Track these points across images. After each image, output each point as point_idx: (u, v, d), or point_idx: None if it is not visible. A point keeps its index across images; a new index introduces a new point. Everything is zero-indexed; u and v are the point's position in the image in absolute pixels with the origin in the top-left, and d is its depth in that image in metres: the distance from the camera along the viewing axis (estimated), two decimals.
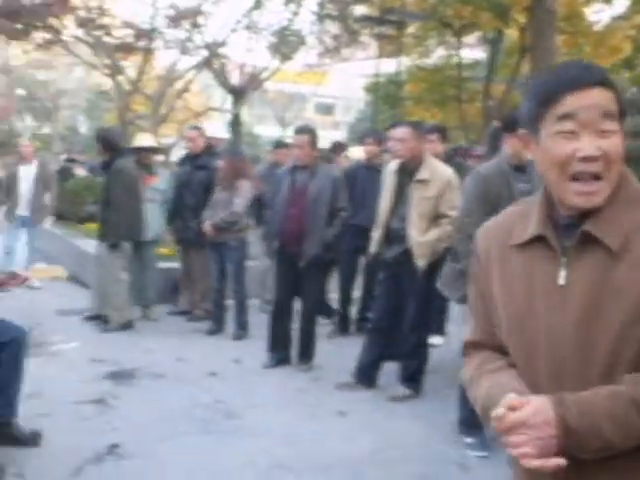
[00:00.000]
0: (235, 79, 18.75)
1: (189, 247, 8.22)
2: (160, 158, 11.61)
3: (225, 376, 6.23)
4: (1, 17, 17.02)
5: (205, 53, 17.79)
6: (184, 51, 17.97)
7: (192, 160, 8.20)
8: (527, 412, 1.51)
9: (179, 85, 18.93)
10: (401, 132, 5.63)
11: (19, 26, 17.66)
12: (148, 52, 18.05)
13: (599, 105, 1.57)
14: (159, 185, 8.02)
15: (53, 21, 17.64)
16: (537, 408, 1.51)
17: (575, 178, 1.58)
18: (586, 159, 1.55)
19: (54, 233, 12.19)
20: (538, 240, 1.66)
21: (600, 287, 1.56)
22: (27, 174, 9.74)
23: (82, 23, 17.52)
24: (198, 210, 7.75)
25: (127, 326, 7.59)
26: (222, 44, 17.71)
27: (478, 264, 1.81)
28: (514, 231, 1.72)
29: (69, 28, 18.16)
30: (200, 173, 7.97)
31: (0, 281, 4.72)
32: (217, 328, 7.63)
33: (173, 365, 6.43)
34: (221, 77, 18.44)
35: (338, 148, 9.58)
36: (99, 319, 7.68)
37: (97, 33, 17.63)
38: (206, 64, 17.97)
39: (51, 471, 4.23)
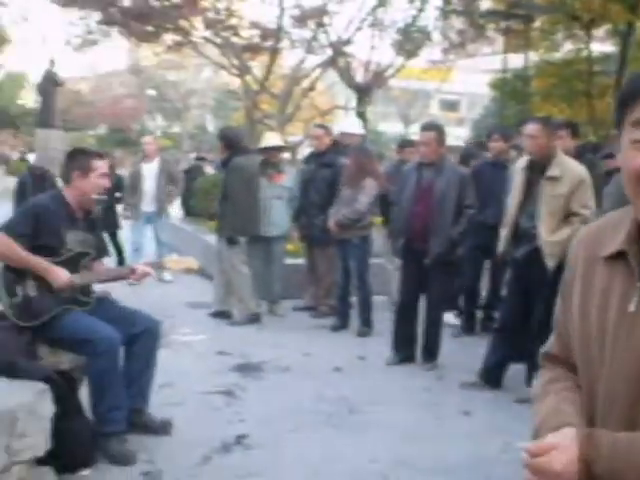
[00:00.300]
0: (360, 77, 18.80)
1: (314, 244, 8.31)
2: (287, 156, 11.76)
3: (349, 372, 6.26)
4: (132, 20, 17.66)
5: (330, 52, 17.93)
6: (310, 50, 18.16)
7: (317, 158, 8.30)
8: (547, 460, 1.42)
9: (305, 84, 19.14)
10: (531, 128, 5.50)
11: (150, 28, 18.27)
12: (274, 52, 18.33)
13: None
14: (286, 183, 8.13)
15: (183, 23, 18.17)
16: (560, 455, 1.40)
17: None
18: None
19: (184, 229, 12.59)
20: (622, 256, 1.48)
21: None
22: (150, 171, 10.00)
23: (210, 24, 17.97)
24: (323, 207, 7.83)
25: (253, 319, 7.73)
26: (347, 42, 17.81)
27: (568, 271, 1.67)
28: (604, 241, 1.55)
29: (198, 29, 18.65)
30: (325, 171, 8.05)
31: (121, 275, 4.90)
32: (341, 324, 7.68)
33: (299, 360, 6.52)
34: (346, 75, 18.52)
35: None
36: (223, 315, 7.89)
37: (225, 34, 18.05)
38: (331, 63, 18.10)
39: (180, 459, 4.34)
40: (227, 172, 7.84)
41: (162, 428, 4.66)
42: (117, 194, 10.29)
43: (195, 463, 4.30)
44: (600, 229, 1.60)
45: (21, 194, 9.84)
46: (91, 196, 4.57)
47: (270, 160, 8.08)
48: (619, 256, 1.48)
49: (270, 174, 8.00)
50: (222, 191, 7.92)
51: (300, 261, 8.71)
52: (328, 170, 8.02)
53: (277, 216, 8.00)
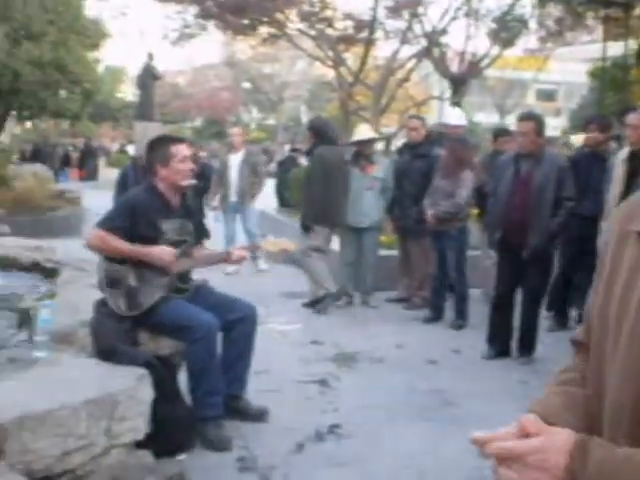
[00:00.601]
0: (455, 67, 18.59)
1: (407, 235, 8.27)
2: (380, 147, 11.72)
3: (444, 364, 6.20)
4: (228, 13, 17.89)
5: (425, 42, 17.77)
6: (404, 41, 18.05)
7: (412, 149, 8.26)
8: (532, 444, 1.14)
9: (399, 75, 19.03)
10: (633, 118, 5.34)
11: (245, 21, 18.48)
12: (369, 43, 18.29)
13: None
14: (378, 173, 8.10)
15: (278, 15, 18.30)
16: (550, 445, 1.13)
17: None
18: None
19: (278, 219, 12.72)
20: None
21: None
22: (236, 162, 10.06)
23: (305, 16, 18.06)
24: (417, 199, 7.79)
25: (319, 304, 7.83)
26: (442, 32, 17.63)
27: (603, 251, 1.44)
28: (638, 213, 1.33)
29: (293, 22, 18.76)
30: (419, 162, 8.01)
31: (218, 259, 4.96)
32: (435, 316, 7.61)
33: (392, 351, 6.50)
34: (441, 66, 18.34)
35: None
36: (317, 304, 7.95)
37: (320, 26, 18.11)
38: (426, 53, 17.94)
39: (275, 446, 4.39)
40: (309, 161, 8.15)
41: (258, 415, 4.73)
42: (200, 183, 10.35)
43: (289, 450, 4.34)
44: (637, 202, 1.38)
45: (122, 185, 10.06)
46: (179, 183, 4.63)
47: (362, 152, 8.08)
48: None
49: (362, 165, 8.01)
50: (304, 179, 8.19)
51: (394, 252, 8.68)
52: (422, 161, 7.98)
53: (369, 207, 7.99)
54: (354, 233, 8.08)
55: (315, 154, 7.88)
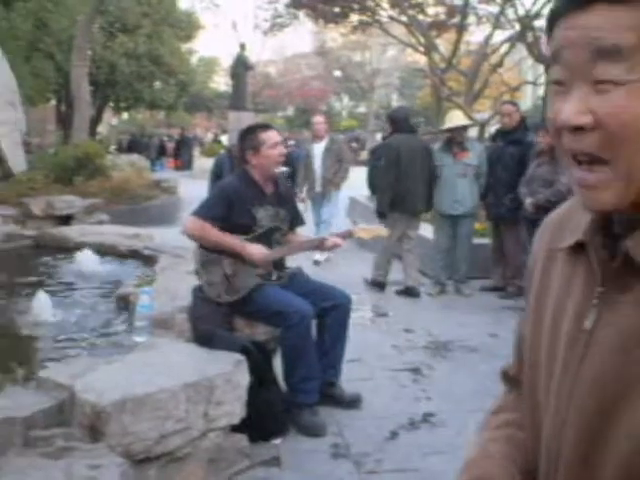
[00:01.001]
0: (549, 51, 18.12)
1: (501, 223, 8.15)
2: (473, 134, 11.55)
3: None
4: (319, 2, 17.92)
5: (518, 26, 17.40)
6: (497, 25, 17.71)
7: (505, 135, 8.13)
8: None
9: (492, 60, 18.70)
10: None
11: (336, 9, 18.47)
12: (461, 28, 18.02)
13: (591, 37, 0.91)
14: (472, 160, 7.99)
15: (369, 3, 18.23)
16: None
17: (576, 159, 0.97)
18: (571, 129, 0.95)
19: (369, 206, 12.69)
20: (583, 249, 1.06)
21: (629, 352, 0.95)
22: (320, 151, 9.99)
23: (396, 3, 17.91)
24: (511, 186, 7.67)
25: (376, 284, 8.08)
26: (536, 16, 17.19)
27: (529, 267, 1.24)
28: (569, 227, 1.11)
29: (384, 9, 18.64)
30: (513, 148, 7.87)
31: (312, 246, 4.98)
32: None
33: (486, 340, 6.42)
34: (535, 50, 17.92)
35: None
36: (410, 292, 7.95)
37: (411, 12, 17.93)
38: (519, 37, 17.56)
39: (368, 433, 4.40)
40: (384, 150, 8.32)
41: (352, 402, 4.75)
42: (289, 169, 10.35)
43: (383, 438, 4.34)
44: (569, 211, 1.16)
45: (217, 174, 10.19)
46: (271, 170, 4.68)
47: (454, 139, 8.00)
48: (580, 249, 1.06)
49: (455, 152, 7.92)
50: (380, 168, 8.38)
51: (488, 241, 8.56)
52: (516, 147, 7.84)
53: (463, 194, 7.91)
54: (448, 220, 8.03)
55: (388, 143, 8.12)
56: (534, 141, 7.59)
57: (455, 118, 8.25)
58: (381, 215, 7.99)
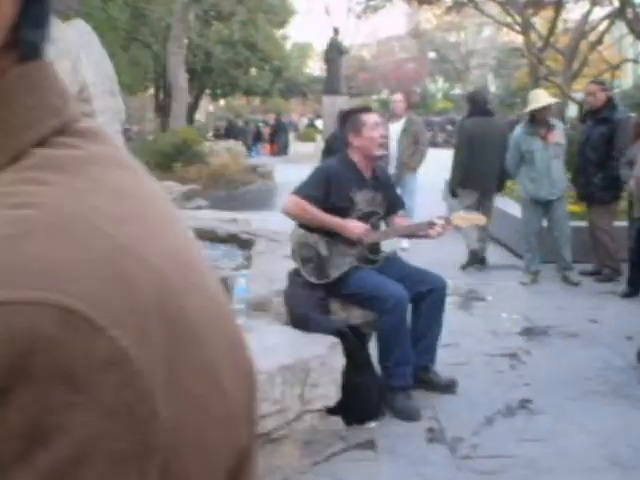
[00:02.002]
0: None
1: (593, 203, 7.92)
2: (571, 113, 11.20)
3: None
4: None
5: (617, 2, 16.84)
6: (595, 2, 17.19)
7: (593, 115, 7.92)
8: None
9: (591, 38, 18.18)
10: None
11: None
12: (558, 6, 17.57)
13: None
14: (560, 139, 7.72)
15: None
16: None
17: None
18: None
19: None
20: None
21: None
22: (397, 131, 9.53)
23: None
24: (600, 165, 7.55)
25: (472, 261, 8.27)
26: None
27: None
28: None
29: None
30: (601, 127, 7.66)
31: (418, 230, 4.94)
32: (632, 291, 7.23)
33: (585, 326, 6.26)
34: (635, 27, 17.31)
35: None
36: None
37: None
38: (619, 14, 16.99)
39: (464, 418, 4.36)
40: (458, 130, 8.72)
41: (447, 387, 4.72)
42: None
43: (478, 423, 4.31)
44: None
45: (330, 151, 9.99)
46: (372, 151, 4.67)
47: (540, 119, 7.70)
48: None
49: (543, 134, 7.64)
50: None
51: (584, 223, 8.31)
52: (604, 126, 7.62)
53: (558, 176, 7.63)
54: (540, 205, 7.74)
55: (462, 124, 8.42)
56: (622, 119, 7.35)
57: (541, 97, 7.91)
58: (453, 193, 8.36)
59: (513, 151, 7.74)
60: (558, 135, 7.68)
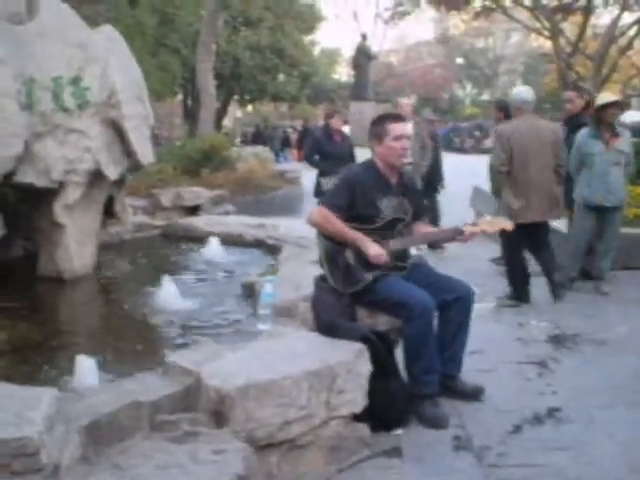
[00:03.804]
0: None
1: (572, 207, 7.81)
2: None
3: None
4: None
5: None
6: (625, 7, 17.06)
7: (571, 120, 8.00)
8: None
9: (621, 43, 18.02)
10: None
11: None
12: (587, 11, 17.45)
13: None
14: (623, 147, 7.48)
15: None
16: None
17: None
18: None
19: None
20: None
21: None
22: None
23: None
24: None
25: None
26: None
27: None
28: None
29: None
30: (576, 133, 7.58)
31: (446, 237, 4.89)
32: None
33: (614, 333, 6.18)
34: None
35: None
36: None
37: None
38: None
39: (491, 426, 4.33)
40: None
41: (474, 394, 4.68)
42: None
43: (505, 431, 4.27)
44: None
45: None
46: (392, 161, 4.64)
47: (605, 120, 7.38)
48: None
49: (607, 139, 7.35)
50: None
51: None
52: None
53: (615, 184, 7.38)
54: (595, 213, 7.49)
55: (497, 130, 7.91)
56: None
57: (607, 97, 7.68)
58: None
59: (575, 153, 7.50)
60: (622, 142, 7.47)
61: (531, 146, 7.01)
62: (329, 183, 8.53)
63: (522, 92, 7.56)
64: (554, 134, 7.23)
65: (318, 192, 9.34)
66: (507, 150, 7.03)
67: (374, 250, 4.43)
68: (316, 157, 9.90)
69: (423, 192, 9.47)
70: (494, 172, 7.49)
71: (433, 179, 10.12)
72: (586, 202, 7.46)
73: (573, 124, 7.90)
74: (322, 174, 9.51)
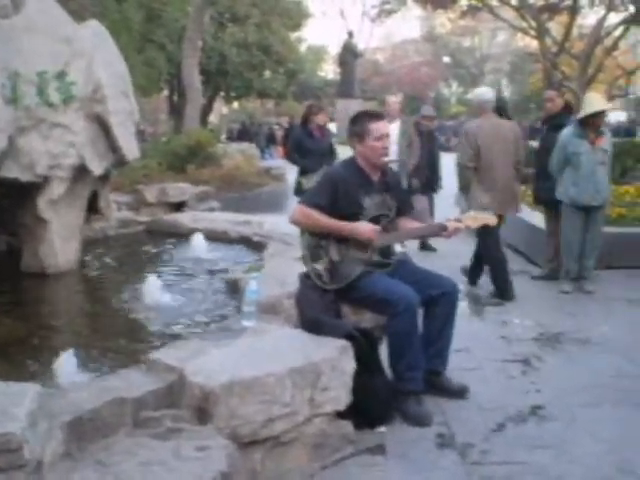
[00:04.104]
0: None
1: (548, 207, 8.11)
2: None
3: None
4: None
5: (632, 8, 16.77)
6: (611, 7, 17.13)
7: (550, 120, 8.11)
8: None
9: (606, 43, 18.09)
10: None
11: None
12: (573, 11, 17.51)
13: None
14: (607, 146, 7.54)
15: None
16: None
17: None
18: None
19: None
20: None
21: None
22: (394, 132, 9.17)
23: None
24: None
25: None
26: None
27: None
28: None
29: None
30: (557, 133, 7.68)
31: (429, 233, 4.89)
32: None
33: (598, 332, 6.21)
34: None
35: None
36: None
37: None
38: (634, 19, 16.92)
39: (474, 424, 4.34)
40: None
41: (458, 392, 4.69)
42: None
43: (489, 429, 4.27)
44: None
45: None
46: (374, 160, 4.64)
47: (594, 123, 7.46)
48: None
49: (592, 138, 7.44)
50: None
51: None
52: (559, 132, 7.67)
53: (603, 183, 7.48)
54: (582, 212, 7.55)
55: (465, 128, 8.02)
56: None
57: (596, 102, 7.60)
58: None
59: (559, 152, 7.53)
60: (606, 141, 7.56)
61: (495, 144, 7.22)
62: (310, 182, 8.20)
63: (484, 92, 7.72)
64: (513, 132, 7.46)
65: (298, 191, 9.15)
66: (475, 147, 7.22)
67: (364, 227, 4.44)
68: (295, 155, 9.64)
69: (420, 191, 9.52)
70: (461, 168, 7.49)
71: (431, 179, 10.02)
72: (573, 202, 7.50)
73: (552, 123, 8.03)
74: (302, 172, 9.31)
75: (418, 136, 9.71)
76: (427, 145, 9.91)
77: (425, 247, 9.83)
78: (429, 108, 11.02)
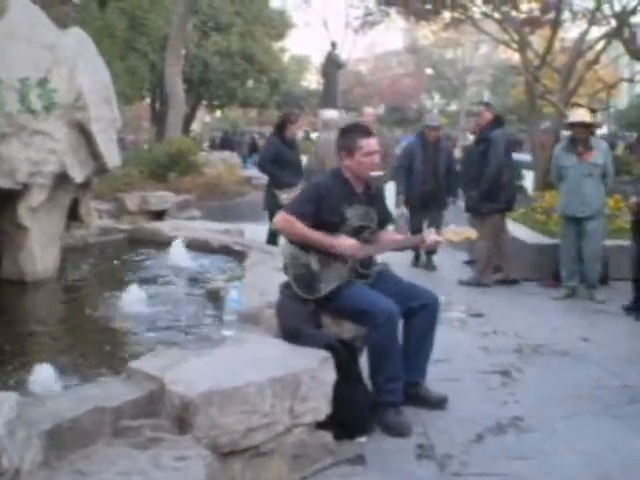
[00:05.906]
0: None
1: (476, 216, 8.44)
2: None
3: (634, 360, 5.88)
4: None
5: (614, 22, 16.89)
6: (593, 22, 17.24)
7: (478, 133, 8.60)
8: None
9: (588, 57, 18.22)
10: None
11: (428, 6, 18.29)
12: (556, 25, 17.60)
13: None
14: (597, 159, 7.65)
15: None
16: None
17: None
18: None
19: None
20: None
21: None
22: None
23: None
24: (478, 181, 8.21)
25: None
26: (633, 12, 16.67)
27: None
28: None
29: (477, 5, 18.38)
30: (481, 146, 8.31)
31: (410, 244, 4.91)
32: (634, 308, 7.16)
33: (577, 344, 6.25)
34: (631, 47, 17.37)
35: None
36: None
37: (504, 8, 17.61)
38: (616, 34, 17.05)
39: (454, 435, 4.34)
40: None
41: (437, 403, 4.70)
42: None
43: (468, 440, 4.28)
44: None
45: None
46: (361, 174, 4.66)
47: (577, 136, 7.69)
48: None
49: (579, 152, 7.62)
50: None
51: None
52: (483, 145, 8.28)
53: (590, 195, 7.63)
54: (574, 223, 7.78)
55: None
56: (495, 137, 8.16)
57: (577, 114, 7.88)
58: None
59: (552, 166, 8.11)
60: (597, 155, 7.69)
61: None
62: (288, 197, 7.53)
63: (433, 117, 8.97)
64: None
65: (272, 204, 8.46)
66: None
67: (343, 242, 4.45)
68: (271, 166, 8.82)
69: (436, 206, 9.36)
70: None
71: (436, 194, 9.34)
72: (563, 212, 7.91)
73: (480, 137, 8.50)
74: (278, 186, 8.63)
75: (421, 148, 9.30)
76: (432, 157, 9.26)
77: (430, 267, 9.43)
78: (433, 117, 10.34)
